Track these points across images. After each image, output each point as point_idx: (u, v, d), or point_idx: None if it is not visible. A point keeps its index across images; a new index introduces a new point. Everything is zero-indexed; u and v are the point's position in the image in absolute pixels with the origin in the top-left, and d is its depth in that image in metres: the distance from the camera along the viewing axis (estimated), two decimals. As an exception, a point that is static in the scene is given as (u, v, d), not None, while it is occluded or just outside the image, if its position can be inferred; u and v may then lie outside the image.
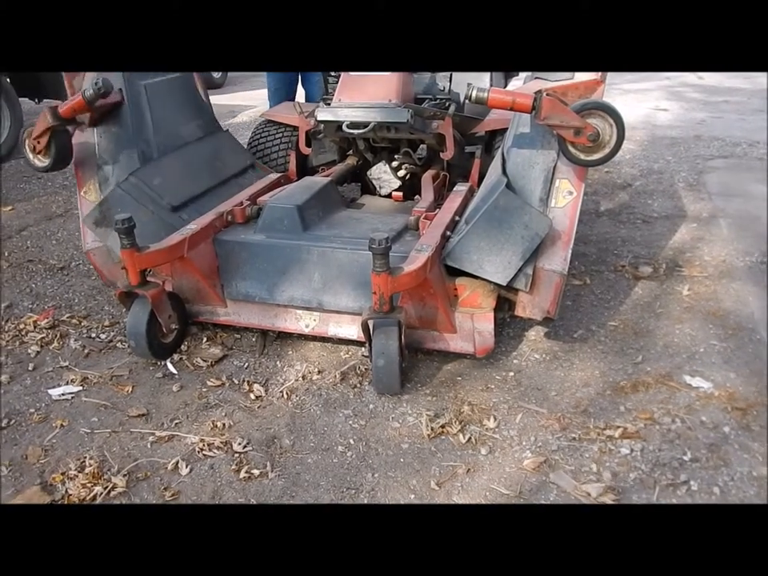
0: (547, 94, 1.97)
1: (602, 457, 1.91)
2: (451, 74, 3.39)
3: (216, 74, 9.13)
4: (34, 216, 3.99)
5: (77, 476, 1.90)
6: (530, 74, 2.43)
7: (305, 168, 3.49)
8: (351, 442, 2.04)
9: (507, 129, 2.73)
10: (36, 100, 5.90)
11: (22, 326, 2.73)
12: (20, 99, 5.40)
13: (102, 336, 2.67)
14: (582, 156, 2.05)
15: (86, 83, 2.64)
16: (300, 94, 4.73)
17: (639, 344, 2.46)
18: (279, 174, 3.18)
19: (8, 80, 5.28)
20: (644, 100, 6.66)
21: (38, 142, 2.61)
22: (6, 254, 3.39)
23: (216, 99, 8.01)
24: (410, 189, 3.33)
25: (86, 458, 1.98)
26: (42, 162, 2.66)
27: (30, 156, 2.68)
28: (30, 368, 2.46)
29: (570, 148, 2.05)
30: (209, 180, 2.85)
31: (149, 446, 2.04)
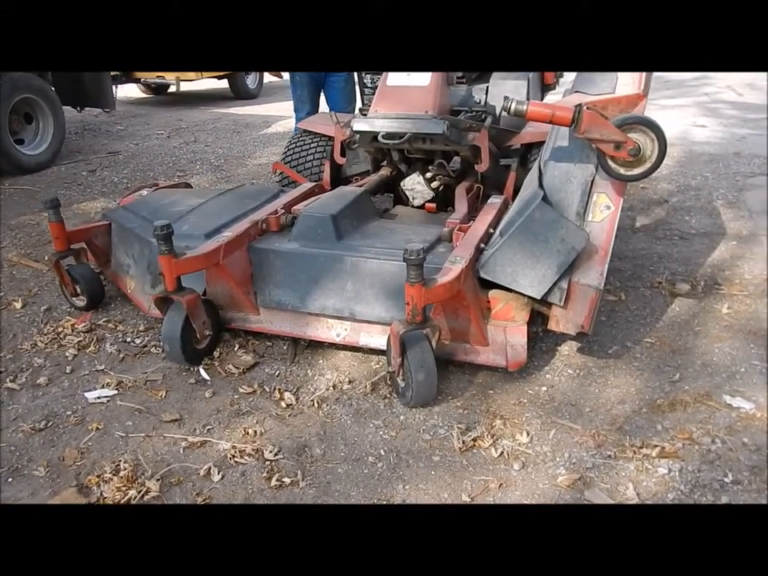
0: (587, 108, 1.96)
1: (638, 476, 1.87)
2: (487, 87, 3.39)
3: (251, 85, 9.27)
4: (74, 221, 4.07)
5: (112, 479, 1.92)
6: (568, 87, 2.41)
7: (338, 178, 3.52)
8: (382, 452, 2.03)
9: (543, 142, 2.72)
10: (78, 108, 6.07)
11: (60, 330, 2.79)
12: (63, 108, 5.55)
13: (137, 341, 2.71)
14: (622, 171, 2.03)
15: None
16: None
17: (677, 362, 2.41)
18: (313, 184, 3.20)
19: (52, 88, 5.43)
20: (681, 116, 6.56)
21: (66, 284, 2.92)
22: (46, 258, 3.47)
23: (250, 110, 8.26)
24: (443, 200, 3.33)
25: (120, 461, 2.00)
26: (80, 301, 2.95)
27: (71, 300, 2.98)
28: (67, 371, 2.50)
29: (610, 162, 2.03)
30: (239, 211, 2.86)
31: (181, 451, 2.06)
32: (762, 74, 8.79)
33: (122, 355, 2.61)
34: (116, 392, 2.37)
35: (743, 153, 5.21)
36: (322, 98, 4.70)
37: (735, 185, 4.43)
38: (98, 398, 2.34)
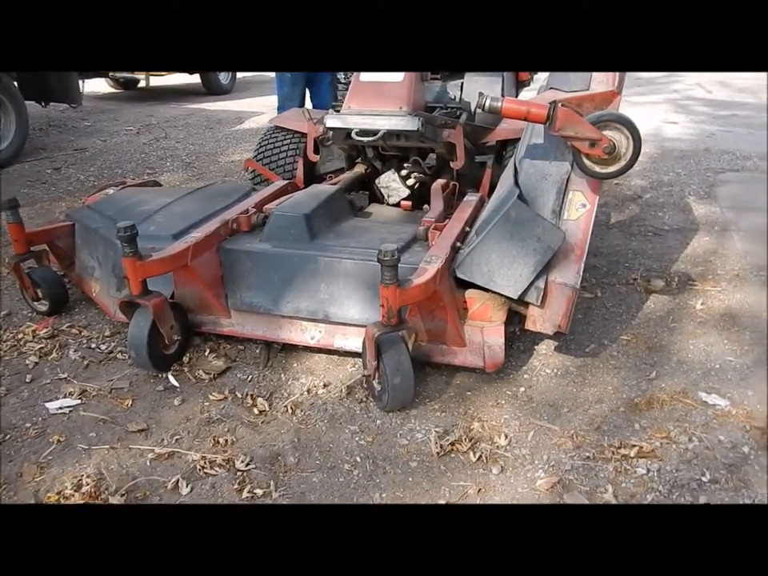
0: (562, 105, 1.93)
1: (617, 477, 1.85)
2: (462, 83, 3.36)
3: (224, 80, 9.12)
4: (37, 221, 3.93)
5: (73, 495, 1.83)
6: (543, 84, 2.38)
7: (312, 175, 3.45)
8: (358, 459, 1.98)
9: (519, 139, 2.68)
10: (42, 103, 5.88)
11: (20, 336, 2.67)
12: (27, 102, 5.37)
13: (103, 347, 2.61)
14: (597, 168, 2.01)
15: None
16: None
17: (653, 359, 2.40)
18: (286, 181, 3.13)
19: (14, 83, 5.25)
20: (653, 112, 6.61)
21: (27, 288, 2.80)
22: (6, 261, 3.33)
23: (223, 105, 8.12)
24: (419, 198, 3.28)
25: (82, 476, 1.91)
26: (42, 305, 2.84)
27: (32, 304, 2.87)
28: (27, 380, 2.39)
29: (585, 160, 2.00)
30: (210, 210, 2.77)
31: (148, 464, 1.97)
32: (731, 72, 8.93)
33: (86, 362, 2.51)
34: (79, 401, 2.27)
35: (713, 149, 5.27)
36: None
37: (706, 180, 4.48)
38: (60, 408, 2.24)
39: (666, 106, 7.06)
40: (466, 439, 2.01)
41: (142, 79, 8.13)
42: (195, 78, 8.97)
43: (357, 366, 2.43)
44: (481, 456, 1.95)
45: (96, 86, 9.06)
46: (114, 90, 9.40)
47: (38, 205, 4.33)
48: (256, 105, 7.93)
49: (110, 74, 8.29)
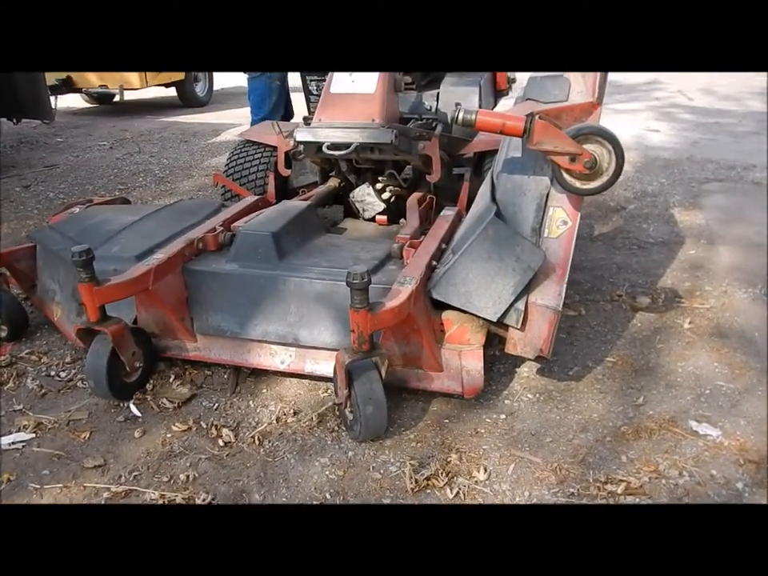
0: (540, 117, 1.82)
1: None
2: (438, 93, 3.26)
3: (200, 93, 8.99)
4: (4, 242, 3.79)
5: (17, 541, 1.69)
6: (520, 95, 2.29)
7: (285, 190, 3.34)
8: (327, 496, 1.85)
9: (497, 151, 2.59)
10: (14, 120, 5.71)
11: (-25, 365, 2.53)
12: (-3, 119, 5.23)
13: (62, 374, 2.47)
14: (578, 184, 1.90)
15: None
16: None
17: (640, 383, 2.29)
18: (256, 197, 3.02)
19: (-19, 98, 5.10)
20: (634, 120, 6.57)
21: None
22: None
23: (199, 118, 7.98)
24: (395, 212, 3.18)
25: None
26: (1, 331, 2.67)
27: None
28: (-21, 412, 2.26)
29: (565, 175, 1.90)
30: (176, 228, 2.65)
31: (103, 503, 1.84)
32: (714, 79, 8.97)
33: (44, 391, 2.36)
34: (33, 435, 2.13)
35: (696, 157, 5.22)
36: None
37: (691, 191, 4.41)
38: (13, 443, 2.10)
39: (647, 114, 7.03)
40: (442, 473, 1.89)
41: (117, 93, 7.96)
42: (171, 91, 8.80)
43: (329, 391, 2.30)
44: (458, 492, 1.83)
45: (70, 101, 8.87)
46: (88, 105, 9.22)
47: (5, 224, 4.16)
48: (233, 116, 7.80)
49: (84, 89, 8.09)
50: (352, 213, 3.31)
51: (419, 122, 3.05)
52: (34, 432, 2.15)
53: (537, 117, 1.81)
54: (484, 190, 2.32)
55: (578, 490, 1.81)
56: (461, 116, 1.88)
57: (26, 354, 2.60)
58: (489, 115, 1.88)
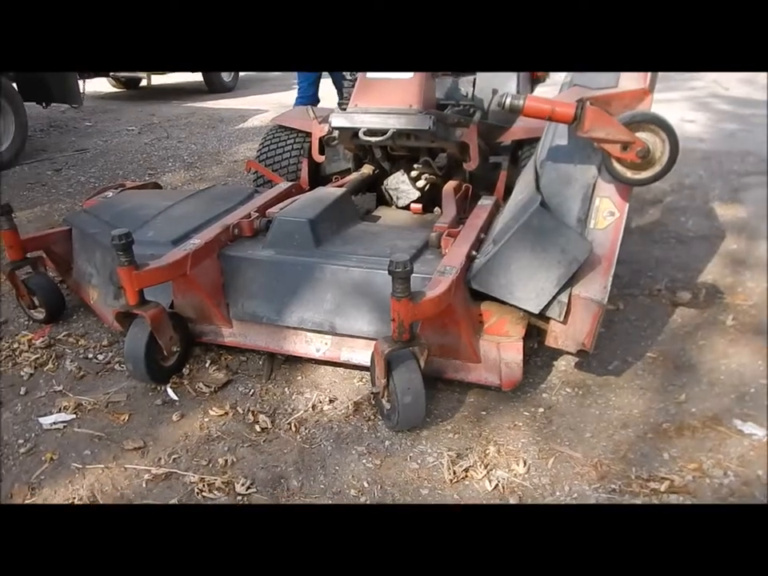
0: (591, 104, 1.77)
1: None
2: (475, 79, 3.21)
3: (227, 78, 8.99)
4: (36, 225, 3.83)
5: (63, 520, 1.71)
6: (566, 80, 2.23)
7: (317, 176, 3.32)
8: (365, 484, 1.84)
9: (536, 139, 2.54)
10: (43, 104, 5.76)
11: (16, 346, 2.55)
12: (27, 104, 5.25)
13: (100, 357, 2.49)
14: (629, 174, 1.85)
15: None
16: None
17: (681, 380, 2.25)
18: (290, 184, 3.00)
19: (13, 84, 5.14)
20: (670, 111, 6.41)
21: (23, 296, 2.68)
22: (4, 265, 3.22)
23: (226, 103, 7.98)
24: (430, 200, 3.15)
25: (74, 498, 1.80)
26: (39, 313, 2.73)
27: (29, 312, 2.76)
28: (21, 392, 2.28)
29: (616, 165, 1.85)
30: (210, 213, 2.65)
31: (144, 485, 1.85)
32: (731, 72, 8.72)
33: (82, 373, 2.39)
34: (74, 416, 2.16)
35: (735, 150, 5.09)
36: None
37: (730, 184, 4.30)
38: (54, 423, 2.13)
39: (683, 104, 6.87)
40: (481, 465, 1.87)
41: (144, 78, 7.98)
42: (197, 76, 8.82)
43: (364, 380, 2.29)
44: (497, 485, 1.81)
45: (98, 85, 8.94)
46: (115, 90, 9.28)
47: (38, 208, 4.21)
48: (259, 102, 7.79)
49: (111, 73, 8.15)
50: (385, 201, 3.29)
51: (456, 109, 3.00)
52: (75, 413, 2.17)
53: (588, 103, 1.77)
54: (526, 178, 2.28)
55: (620, 486, 1.78)
56: (508, 101, 1.84)
57: (64, 336, 2.63)
58: (537, 101, 1.83)
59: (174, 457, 1.97)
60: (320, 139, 3.14)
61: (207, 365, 2.40)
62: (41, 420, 2.14)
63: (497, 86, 3.13)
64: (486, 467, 1.87)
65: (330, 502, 1.78)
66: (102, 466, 1.93)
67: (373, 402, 2.16)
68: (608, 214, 1.96)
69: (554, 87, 2.36)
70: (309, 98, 5.26)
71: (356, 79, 2.88)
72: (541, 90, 3.58)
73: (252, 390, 2.27)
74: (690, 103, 6.95)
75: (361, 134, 2.65)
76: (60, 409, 2.19)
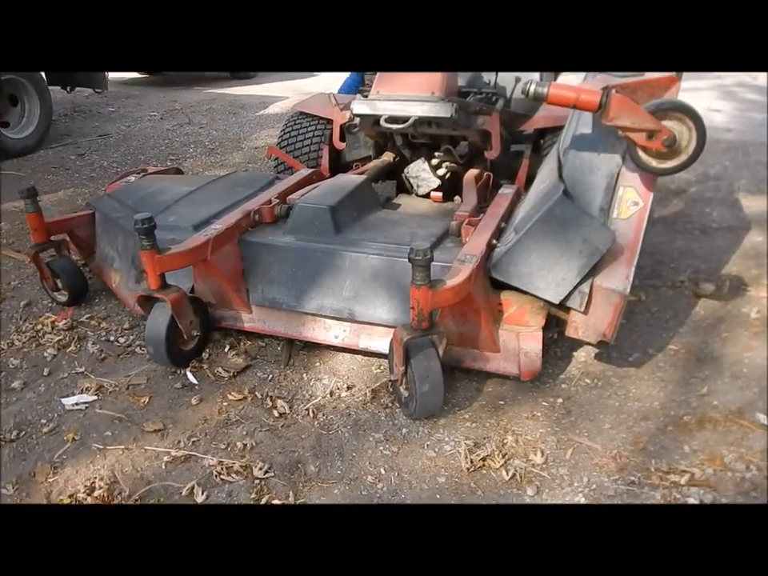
0: (616, 91, 1.74)
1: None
2: (498, 67, 3.17)
3: (249, 64, 8.98)
4: (60, 208, 3.88)
5: (85, 499, 1.75)
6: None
7: (338, 164, 3.31)
8: (382, 471, 1.85)
9: (558, 127, 2.51)
10: (68, 89, 5.82)
11: (39, 327, 2.60)
12: (52, 88, 5.31)
13: (121, 339, 2.53)
14: (654, 163, 1.82)
15: None
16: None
17: (703, 372, 2.22)
18: (311, 170, 3.00)
19: (39, 69, 5.20)
20: (696, 99, 6.29)
21: (47, 279, 2.72)
22: (28, 248, 3.26)
23: (247, 90, 7.97)
24: (450, 189, 3.13)
25: (95, 478, 1.83)
26: (62, 296, 2.76)
27: (52, 294, 2.80)
28: (44, 373, 2.32)
29: (641, 154, 1.82)
30: (231, 199, 2.66)
31: (163, 467, 1.88)
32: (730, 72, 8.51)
33: (103, 355, 2.43)
34: (95, 398, 2.19)
35: (762, 140, 4.98)
36: None
37: (757, 174, 4.21)
38: (76, 404, 2.16)
39: (709, 93, 6.74)
40: (498, 455, 1.87)
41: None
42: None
43: (382, 367, 2.30)
44: (515, 474, 1.81)
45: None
46: (138, 75, 9.32)
47: (62, 192, 4.26)
48: (280, 89, 7.79)
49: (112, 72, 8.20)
50: (405, 189, 3.27)
51: (479, 96, 2.97)
52: (96, 394, 2.21)
53: (614, 91, 1.74)
54: (548, 167, 2.26)
55: (639, 478, 1.77)
56: (532, 89, 1.81)
57: (86, 318, 2.67)
58: (562, 88, 1.80)
59: (192, 440, 1.99)
60: (341, 126, 3.14)
61: (226, 350, 2.42)
62: (63, 401, 2.17)
63: (520, 73, 3.09)
64: (503, 456, 1.87)
65: (347, 488, 1.79)
66: (123, 447, 1.96)
67: (390, 390, 2.17)
68: (632, 203, 1.93)
69: (578, 75, 2.32)
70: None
71: None
72: (564, 78, 3.54)
73: (270, 376, 2.29)
74: (717, 92, 6.81)
75: (382, 122, 2.64)
76: (82, 390, 2.23)
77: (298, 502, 1.74)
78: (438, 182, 3.11)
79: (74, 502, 1.75)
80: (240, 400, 2.16)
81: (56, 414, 2.12)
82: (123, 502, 1.75)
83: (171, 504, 1.74)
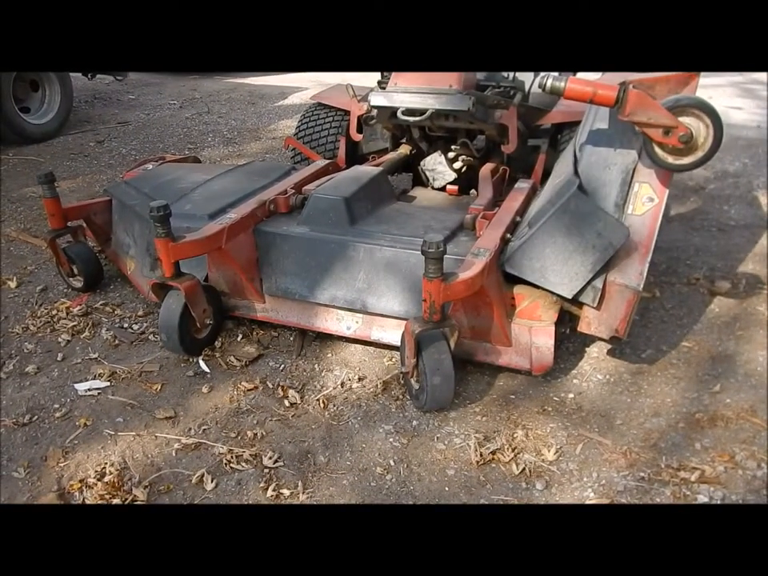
0: (634, 87, 1.73)
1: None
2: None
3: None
4: (78, 195, 3.92)
5: (95, 485, 1.77)
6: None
7: (354, 155, 3.31)
8: (391, 463, 1.86)
9: (575, 122, 2.49)
10: (89, 76, 5.86)
11: (54, 312, 2.63)
12: (73, 75, 5.36)
13: (135, 327, 2.55)
14: (671, 159, 1.80)
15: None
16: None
17: (717, 370, 2.20)
18: (327, 161, 3.00)
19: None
20: (716, 97, 6.22)
21: (63, 264, 2.75)
22: (45, 233, 3.30)
23: (266, 80, 7.98)
24: (466, 182, 3.12)
25: (106, 464, 1.85)
26: (77, 282, 2.80)
27: (67, 280, 2.83)
28: (58, 358, 2.35)
29: (657, 149, 1.80)
30: (247, 188, 2.67)
31: (174, 454, 1.90)
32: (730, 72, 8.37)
33: (117, 342, 2.45)
34: (108, 384, 2.22)
35: (783, 137, 4.91)
36: None
37: (777, 172, 4.16)
38: (89, 390, 2.19)
39: (729, 90, 6.65)
40: (508, 449, 1.87)
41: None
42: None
43: (394, 359, 2.30)
44: (524, 469, 1.81)
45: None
46: (159, 62, 9.35)
47: (80, 178, 4.30)
48: (299, 79, 7.78)
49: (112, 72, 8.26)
50: (421, 181, 3.27)
51: (496, 90, 2.95)
52: (109, 380, 2.23)
53: (631, 86, 1.72)
54: (564, 161, 2.24)
55: (649, 474, 1.76)
56: (549, 83, 1.80)
57: (101, 305, 2.69)
58: (579, 83, 1.79)
59: (203, 428, 2.01)
60: (358, 118, 3.14)
61: (239, 339, 2.44)
62: (76, 386, 2.20)
63: None
64: (513, 450, 1.87)
65: (356, 478, 1.80)
66: (134, 433, 1.99)
67: (402, 382, 2.17)
68: (647, 199, 1.91)
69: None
70: None
71: None
72: (582, 73, 3.50)
73: (282, 366, 2.30)
74: (737, 89, 6.71)
75: (399, 114, 2.63)
76: (95, 376, 2.25)
77: (306, 492, 1.75)
78: (453, 176, 3.11)
79: (84, 488, 1.77)
80: (251, 389, 2.18)
81: (68, 399, 2.14)
82: (133, 488, 1.76)
83: (172, 504, 1.74)
